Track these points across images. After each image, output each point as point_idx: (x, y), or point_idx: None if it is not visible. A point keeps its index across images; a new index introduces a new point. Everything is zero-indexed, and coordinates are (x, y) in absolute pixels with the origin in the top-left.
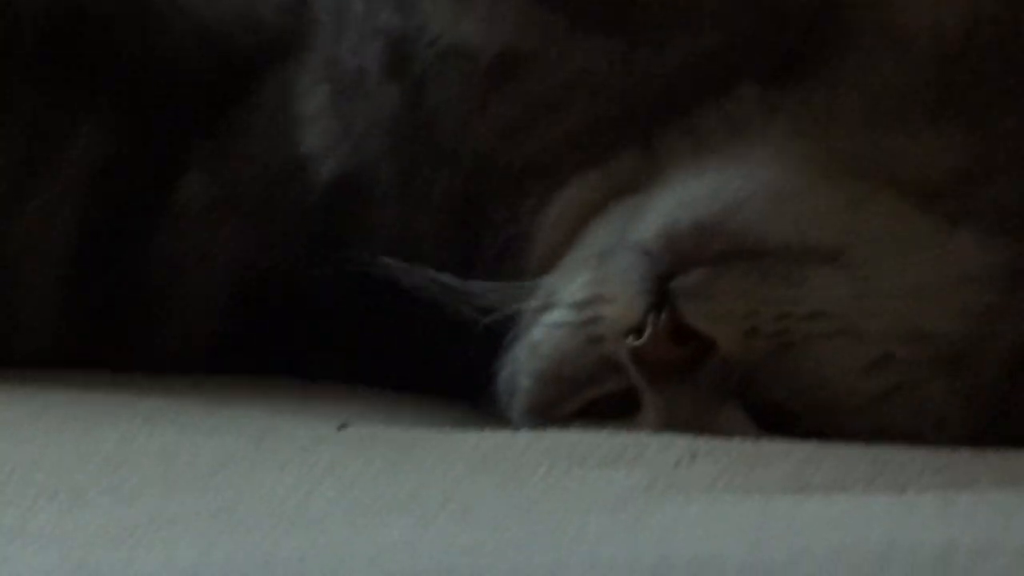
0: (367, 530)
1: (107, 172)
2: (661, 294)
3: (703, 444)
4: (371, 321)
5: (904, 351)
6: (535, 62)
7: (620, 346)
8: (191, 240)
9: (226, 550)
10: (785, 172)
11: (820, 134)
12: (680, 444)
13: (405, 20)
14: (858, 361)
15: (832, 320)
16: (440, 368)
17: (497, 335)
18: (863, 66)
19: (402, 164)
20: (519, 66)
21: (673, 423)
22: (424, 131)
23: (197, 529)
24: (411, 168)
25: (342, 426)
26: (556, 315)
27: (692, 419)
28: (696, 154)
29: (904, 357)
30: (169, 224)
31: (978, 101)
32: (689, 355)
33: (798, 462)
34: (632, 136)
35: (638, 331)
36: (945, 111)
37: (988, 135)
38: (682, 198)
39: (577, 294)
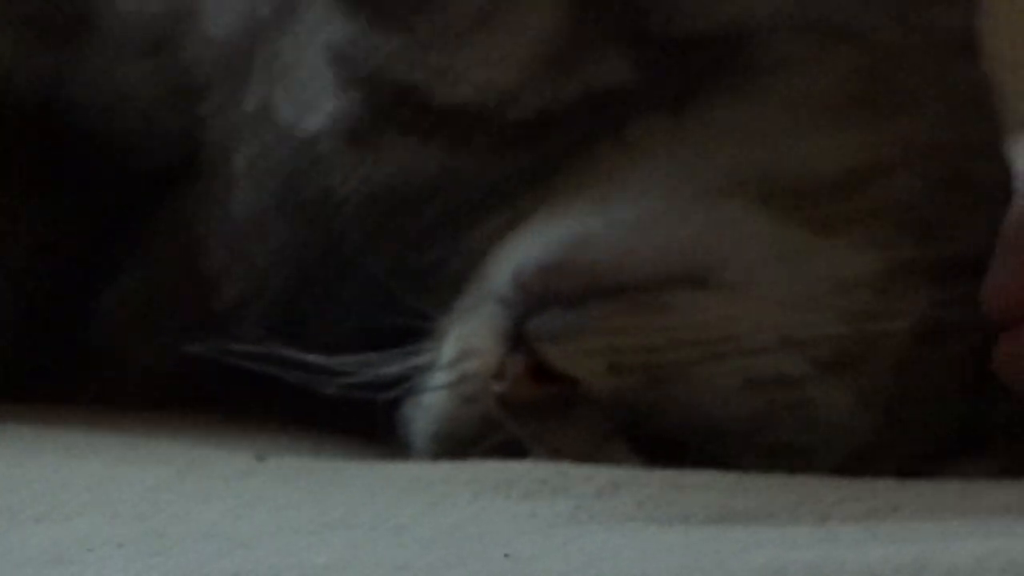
0: (299, 551)
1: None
2: (519, 338)
3: (625, 474)
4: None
5: (781, 364)
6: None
7: (489, 397)
8: (115, 342)
9: (161, 571)
10: (654, 201)
11: (709, 156)
12: (603, 474)
13: (301, 164)
14: (733, 381)
15: (699, 346)
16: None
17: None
18: (761, 85)
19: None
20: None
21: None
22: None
23: (130, 551)
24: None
25: (260, 457)
26: (436, 377)
27: (579, 459)
28: (585, 190)
29: (781, 370)
30: (92, 327)
31: (873, 104)
32: (555, 395)
33: (720, 492)
34: (536, 176)
35: (501, 377)
36: (840, 117)
37: (881, 137)
38: (534, 239)
39: (448, 353)
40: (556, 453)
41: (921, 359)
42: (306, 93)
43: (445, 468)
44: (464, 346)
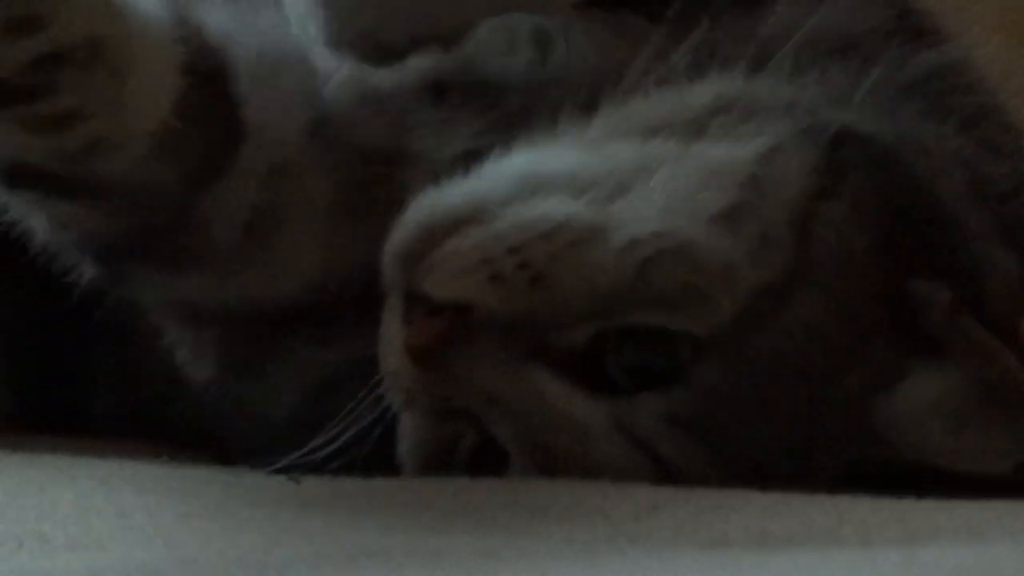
0: None
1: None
2: (410, 303)
3: (663, 495)
4: None
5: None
6: None
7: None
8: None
9: None
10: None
11: None
12: (641, 494)
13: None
14: (609, 250)
15: (568, 231)
16: None
17: None
18: None
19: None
20: None
21: (504, 406)
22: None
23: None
24: None
25: (295, 479)
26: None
27: (505, 394)
28: None
29: (655, 230)
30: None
31: None
32: (456, 327)
33: (759, 513)
34: None
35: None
36: None
37: None
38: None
39: (383, 367)
40: (491, 404)
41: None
42: None
43: (482, 489)
44: (383, 348)
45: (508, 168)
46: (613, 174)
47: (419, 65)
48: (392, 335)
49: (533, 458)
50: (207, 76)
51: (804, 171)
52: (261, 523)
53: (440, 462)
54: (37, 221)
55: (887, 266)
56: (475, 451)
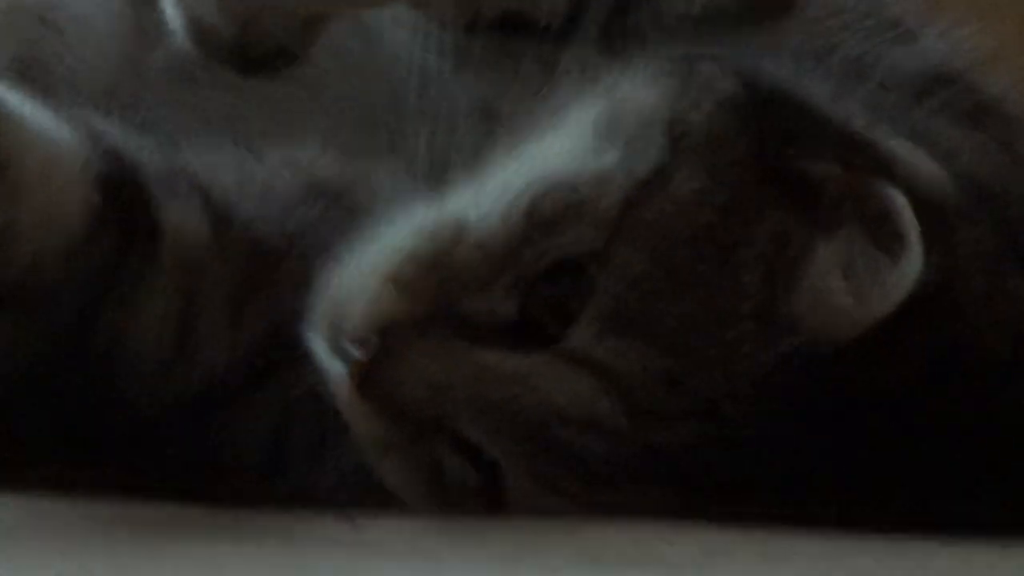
0: None
1: None
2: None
3: (718, 542)
4: None
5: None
6: None
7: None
8: None
9: None
10: None
11: None
12: (695, 541)
13: None
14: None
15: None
16: None
17: None
18: None
19: None
20: None
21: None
22: None
23: None
24: None
25: (355, 523)
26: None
27: (457, 381)
28: None
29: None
30: None
31: None
32: (381, 343)
33: (813, 558)
34: None
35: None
36: None
37: None
38: None
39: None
40: (444, 397)
41: None
42: None
43: (541, 530)
44: (348, 416)
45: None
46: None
47: (299, 163)
48: (346, 397)
49: (511, 439)
50: (119, 186)
51: (661, 79)
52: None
53: (434, 491)
54: None
55: (761, 147)
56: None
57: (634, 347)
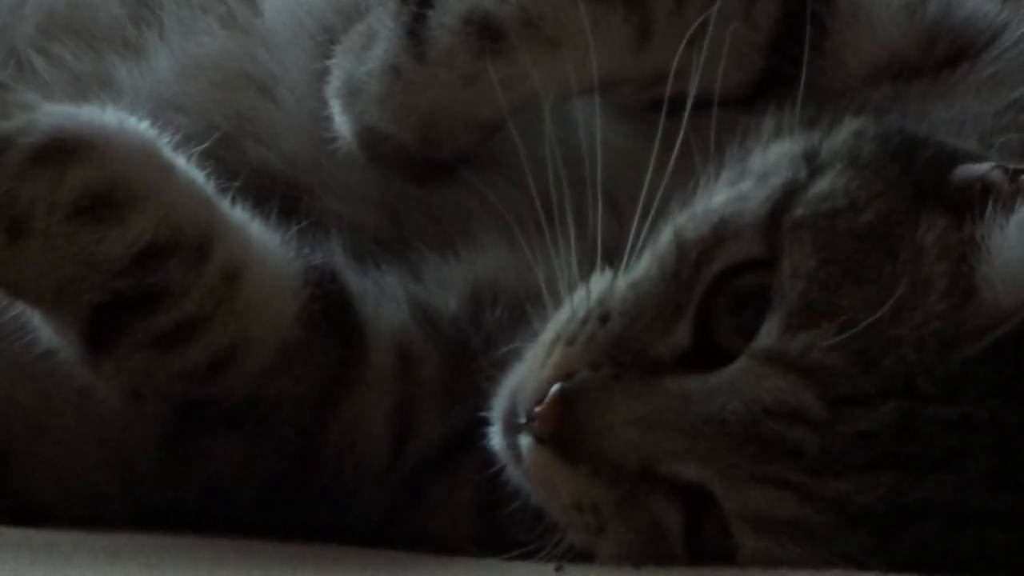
0: None
1: None
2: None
3: None
4: None
5: None
6: None
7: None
8: None
9: None
10: None
11: None
12: None
13: None
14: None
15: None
16: None
17: None
18: None
19: None
20: None
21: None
22: None
23: None
24: None
25: (559, 567)
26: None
27: (656, 413)
28: None
29: None
30: None
31: None
32: (559, 396)
33: None
34: None
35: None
36: None
37: None
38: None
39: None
40: (651, 434)
41: None
42: None
43: None
44: (544, 500)
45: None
46: None
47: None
48: (542, 475)
49: (727, 450)
50: (326, 285)
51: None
52: None
53: (653, 551)
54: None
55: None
56: (686, 525)
57: (825, 336)
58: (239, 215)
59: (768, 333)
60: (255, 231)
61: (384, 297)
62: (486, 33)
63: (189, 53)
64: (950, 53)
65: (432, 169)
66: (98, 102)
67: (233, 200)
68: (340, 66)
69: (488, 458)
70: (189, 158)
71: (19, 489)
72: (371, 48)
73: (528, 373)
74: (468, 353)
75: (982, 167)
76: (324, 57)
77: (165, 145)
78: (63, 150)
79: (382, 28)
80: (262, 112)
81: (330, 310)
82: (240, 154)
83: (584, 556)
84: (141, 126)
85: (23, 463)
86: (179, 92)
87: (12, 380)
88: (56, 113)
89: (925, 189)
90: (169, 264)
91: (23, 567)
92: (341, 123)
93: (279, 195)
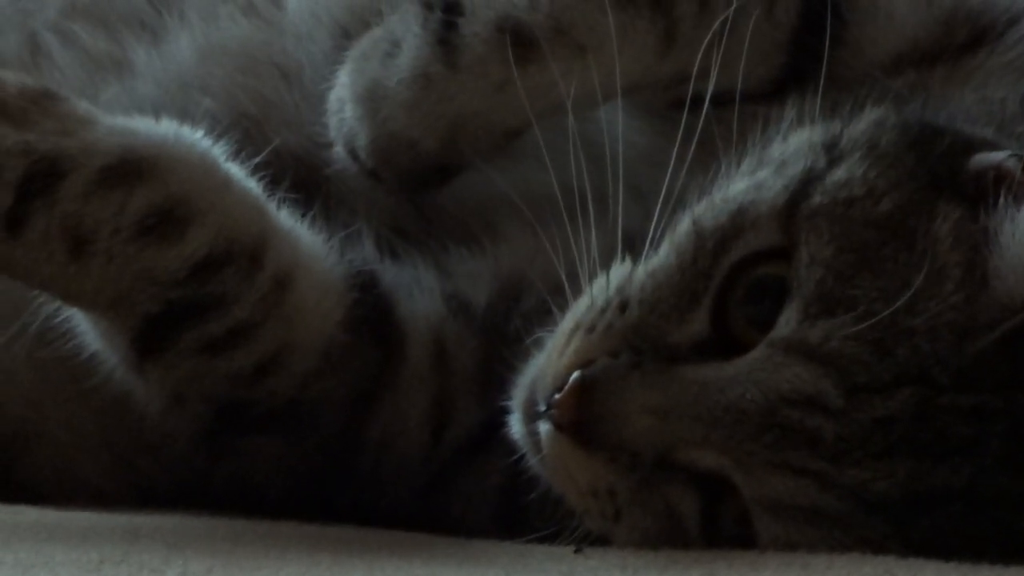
0: None
1: None
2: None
3: None
4: None
5: None
6: None
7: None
8: None
9: None
10: None
11: None
12: None
13: None
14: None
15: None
16: None
17: None
18: None
19: None
20: None
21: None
22: None
23: None
24: None
25: (578, 549)
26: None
27: (673, 400)
28: None
29: None
30: None
31: None
32: (578, 383)
33: None
34: None
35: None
36: None
37: None
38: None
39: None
40: (666, 422)
41: None
42: None
43: (760, 563)
44: (561, 486)
45: None
46: None
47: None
48: (560, 462)
49: (745, 438)
50: (368, 289)
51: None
52: None
53: (669, 539)
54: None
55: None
56: (702, 512)
57: (843, 325)
58: (288, 220)
59: (786, 322)
60: (303, 236)
61: (418, 288)
62: (517, 40)
63: (212, 39)
64: (970, 38)
65: (437, 178)
66: (112, 84)
67: (280, 203)
68: (360, 72)
69: (514, 445)
70: (216, 140)
71: (23, 481)
72: (396, 56)
73: (547, 361)
74: (501, 342)
75: (998, 155)
76: (340, 50)
77: (220, 154)
78: (128, 172)
79: (408, 35)
80: (287, 97)
81: (372, 314)
82: (264, 137)
83: (601, 543)
84: (195, 136)
85: (31, 451)
86: (204, 75)
87: (10, 380)
88: (117, 130)
89: (941, 178)
90: (224, 274)
91: (40, 544)
92: (356, 129)
93: (302, 180)
